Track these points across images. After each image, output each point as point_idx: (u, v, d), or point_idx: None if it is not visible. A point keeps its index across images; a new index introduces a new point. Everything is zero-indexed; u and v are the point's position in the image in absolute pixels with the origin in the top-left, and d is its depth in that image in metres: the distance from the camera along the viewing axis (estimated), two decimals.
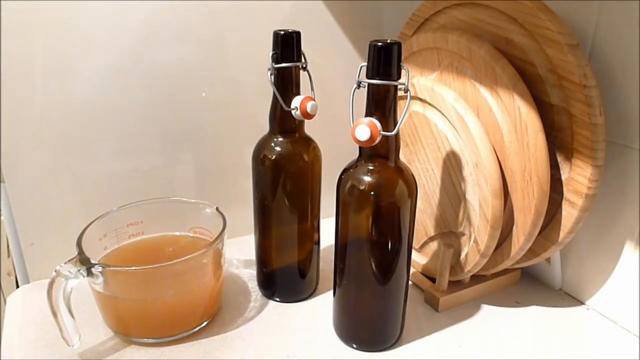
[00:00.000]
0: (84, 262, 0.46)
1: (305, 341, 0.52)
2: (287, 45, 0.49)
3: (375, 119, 0.43)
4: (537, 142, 0.47)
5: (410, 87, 0.43)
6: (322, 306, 0.57)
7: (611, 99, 0.50)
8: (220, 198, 0.60)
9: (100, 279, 0.46)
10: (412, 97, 0.56)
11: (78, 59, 0.55)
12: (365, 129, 0.42)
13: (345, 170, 0.47)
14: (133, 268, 0.47)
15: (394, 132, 0.43)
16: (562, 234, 0.50)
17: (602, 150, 0.47)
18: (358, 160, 0.46)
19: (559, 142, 0.49)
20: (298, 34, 0.50)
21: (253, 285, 0.61)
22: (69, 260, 0.45)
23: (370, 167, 0.45)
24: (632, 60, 0.48)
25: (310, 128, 0.55)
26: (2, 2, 0.50)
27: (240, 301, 0.58)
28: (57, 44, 0.54)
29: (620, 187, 0.52)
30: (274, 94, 0.51)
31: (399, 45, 0.41)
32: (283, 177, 0.53)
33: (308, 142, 0.54)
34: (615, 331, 0.55)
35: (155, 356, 0.50)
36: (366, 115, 0.44)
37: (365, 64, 0.42)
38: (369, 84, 0.43)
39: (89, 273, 0.45)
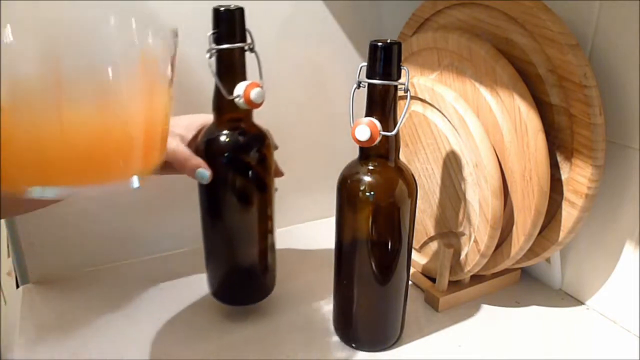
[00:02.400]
0: None
1: (305, 341, 0.52)
2: (228, 23, 0.43)
3: (375, 119, 0.43)
4: (537, 142, 0.47)
5: (410, 87, 0.43)
6: (322, 306, 0.57)
7: (611, 99, 0.50)
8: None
9: None
10: (412, 97, 0.55)
11: None
12: (365, 129, 0.42)
13: (345, 170, 0.47)
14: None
15: (394, 132, 0.43)
16: (562, 234, 0.50)
17: (602, 150, 0.47)
18: (358, 160, 0.46)
19: (559, 142, 0.49)
20: (241, 10, 0.43)
21: None
22: None
23: (370, 167, 0.45)
24: (632, 60, 0.48)
25: (310, 128, 0.55)
26: (1, 1, 0.50)
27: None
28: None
29: (620, 187, 0.52)
30: (215, 79, 0.45)
31: (399, 45, 0.41)
32: (232, 173, 0.48)
33: (258, 132, 0.48)
34: (615, 331, 0.55)
35: (155, 356, 0.50)
36: (366, 115, 0.44)
37: (365, 64, 0.42)
38: (369, 84, 0.43)
39: None
